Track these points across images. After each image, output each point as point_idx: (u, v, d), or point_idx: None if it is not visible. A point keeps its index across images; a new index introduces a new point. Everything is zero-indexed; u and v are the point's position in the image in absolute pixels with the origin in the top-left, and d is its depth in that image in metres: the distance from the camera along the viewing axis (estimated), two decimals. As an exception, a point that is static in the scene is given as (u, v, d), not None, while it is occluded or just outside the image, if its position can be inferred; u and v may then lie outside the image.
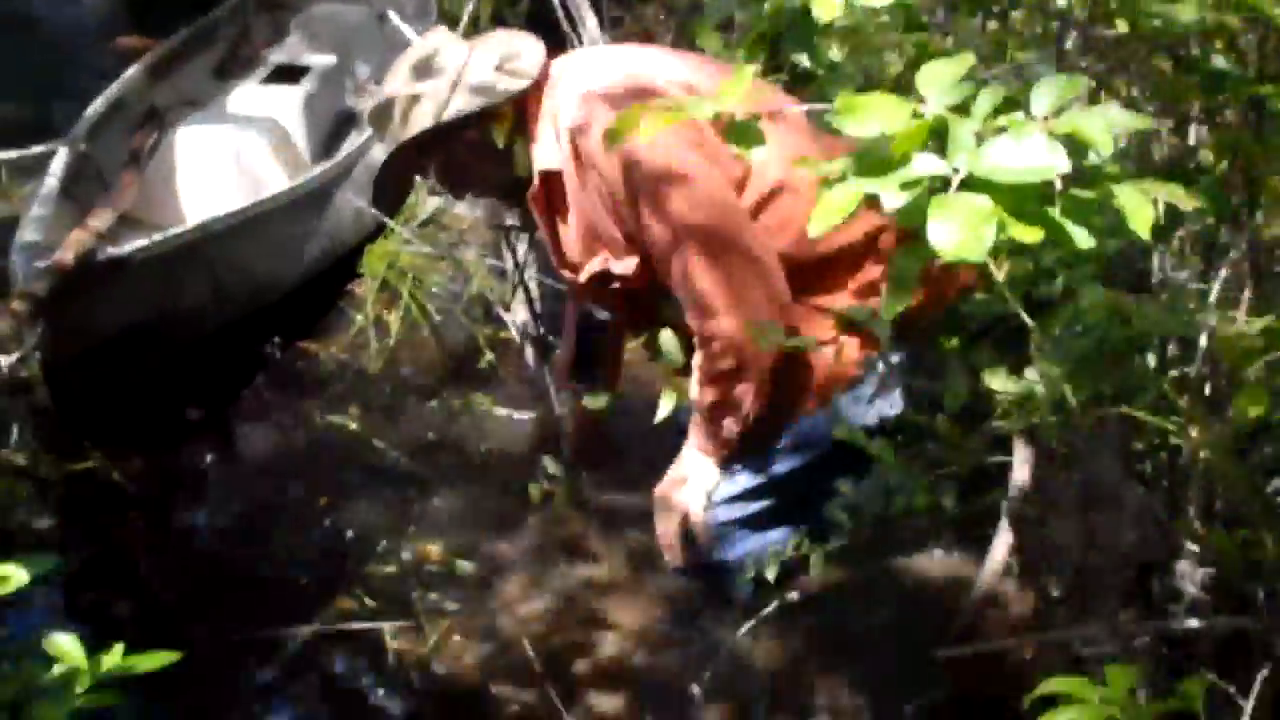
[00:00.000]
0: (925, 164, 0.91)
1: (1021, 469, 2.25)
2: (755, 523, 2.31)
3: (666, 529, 2.33)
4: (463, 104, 2.19)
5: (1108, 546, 2.19)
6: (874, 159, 0.90)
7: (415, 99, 2.18)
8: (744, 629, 2.25)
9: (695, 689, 2.24)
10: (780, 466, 2.28)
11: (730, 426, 2.19)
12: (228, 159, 3.94)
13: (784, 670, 2.39)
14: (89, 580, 2.67)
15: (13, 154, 4.07)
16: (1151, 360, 1.97)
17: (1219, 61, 1.55)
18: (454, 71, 2.19)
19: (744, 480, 2.28)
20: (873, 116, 0.90)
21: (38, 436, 3.09)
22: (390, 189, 2.63)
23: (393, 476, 3.00)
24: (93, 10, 7.11)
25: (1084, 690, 0.97)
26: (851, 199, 0.91)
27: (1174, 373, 1.90)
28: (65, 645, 1.49)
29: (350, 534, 2.81)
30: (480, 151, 2.25)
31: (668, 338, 2.13)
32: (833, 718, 2.30)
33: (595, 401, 2.39)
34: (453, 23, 4.38)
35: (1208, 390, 1.85)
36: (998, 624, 2.49)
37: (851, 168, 0.92)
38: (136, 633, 2.40)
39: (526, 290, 3.46)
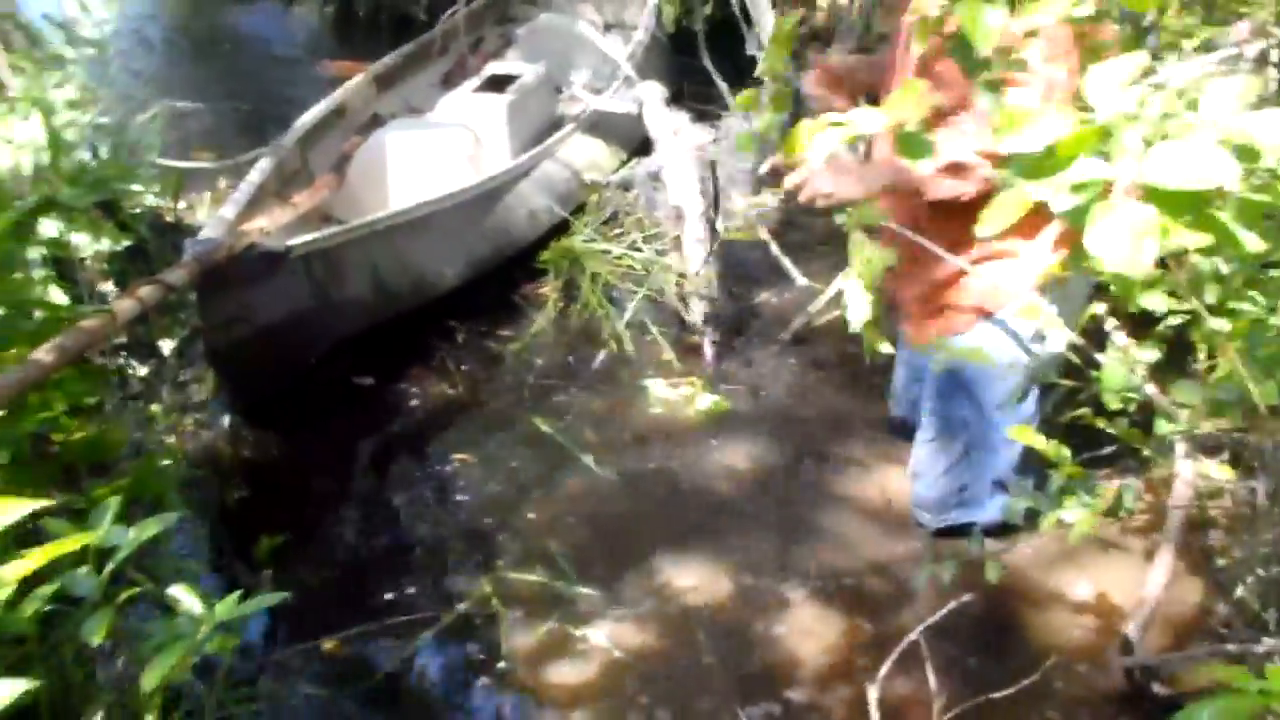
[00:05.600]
0: (1088, 169, 0.90)
1: (1187, 476, 2.19)
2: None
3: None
4: None
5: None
6: (1037, 161, 0.91)
7: None
8: (920, 628, 2.24)
9: (872, 689, 2.24)
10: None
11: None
12: (421, 162, 4.14)
13: (953, 669, 2.39)
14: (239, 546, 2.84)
15: (228, 162, 4.37)
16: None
17: None
18: None
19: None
20: (1036, 130, 0.90)
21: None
22: None
23: (562, 466, 3.10)
24: (299, 28, 7.60)
25: (1242, 679, 0.95)
26: (1021, 203, 0.92)
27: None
28: (184, 597, 1.62)
29: (509, 519, 2.91)
30: None
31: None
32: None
33: None
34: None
35: None
36: (1170, 630, 2.43)
37: (1017, 169, 0.93)
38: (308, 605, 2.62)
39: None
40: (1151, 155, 0.86)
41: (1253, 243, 0.90)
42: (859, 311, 2.12)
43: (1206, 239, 0.89)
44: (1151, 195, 0.86)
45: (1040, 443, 2.01)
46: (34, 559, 0.85)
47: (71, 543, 0.83)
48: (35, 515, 0.95)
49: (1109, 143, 0.87)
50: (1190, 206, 0.86)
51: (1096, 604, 2.57)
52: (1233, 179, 0.83)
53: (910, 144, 1.06)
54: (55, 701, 1.79)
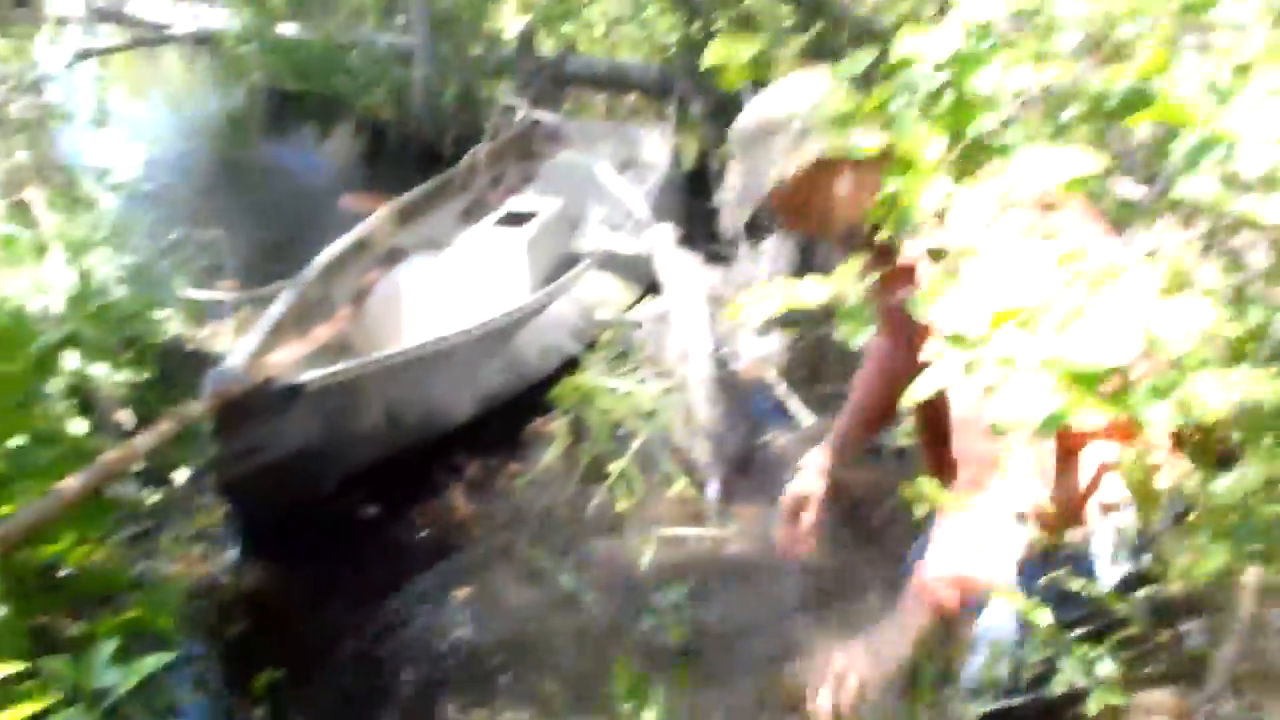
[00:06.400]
0: (1008, 343, 0.95)
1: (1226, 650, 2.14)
2: None
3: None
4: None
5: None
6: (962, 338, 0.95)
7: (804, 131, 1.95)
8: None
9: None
10: None
11: None
12: (438, 296, 4.25)
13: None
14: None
15: (251, 293, 4.51)
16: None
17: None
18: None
19: None
20: (968, 300, 0.95)
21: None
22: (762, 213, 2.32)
23: (564, 605, 3.10)
24: (329, 161, 7.89)
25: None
26: (938, 378, 0.97)
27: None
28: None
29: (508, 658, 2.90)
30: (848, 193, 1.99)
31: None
32: None
33: None
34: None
35: None
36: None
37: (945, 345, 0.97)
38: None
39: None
40: (1064, 335, 0.90)
41: (1158, 421, 0.94)
42: None
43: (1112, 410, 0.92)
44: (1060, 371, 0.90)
45: (1019, 603, 1.98)
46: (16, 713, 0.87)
47: (48, 699, 0.85)
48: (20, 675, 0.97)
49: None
50: (1092, 384, 0.90)
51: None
52: (1129, 358, 0.88)
53: (851, 318, 1.11)
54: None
